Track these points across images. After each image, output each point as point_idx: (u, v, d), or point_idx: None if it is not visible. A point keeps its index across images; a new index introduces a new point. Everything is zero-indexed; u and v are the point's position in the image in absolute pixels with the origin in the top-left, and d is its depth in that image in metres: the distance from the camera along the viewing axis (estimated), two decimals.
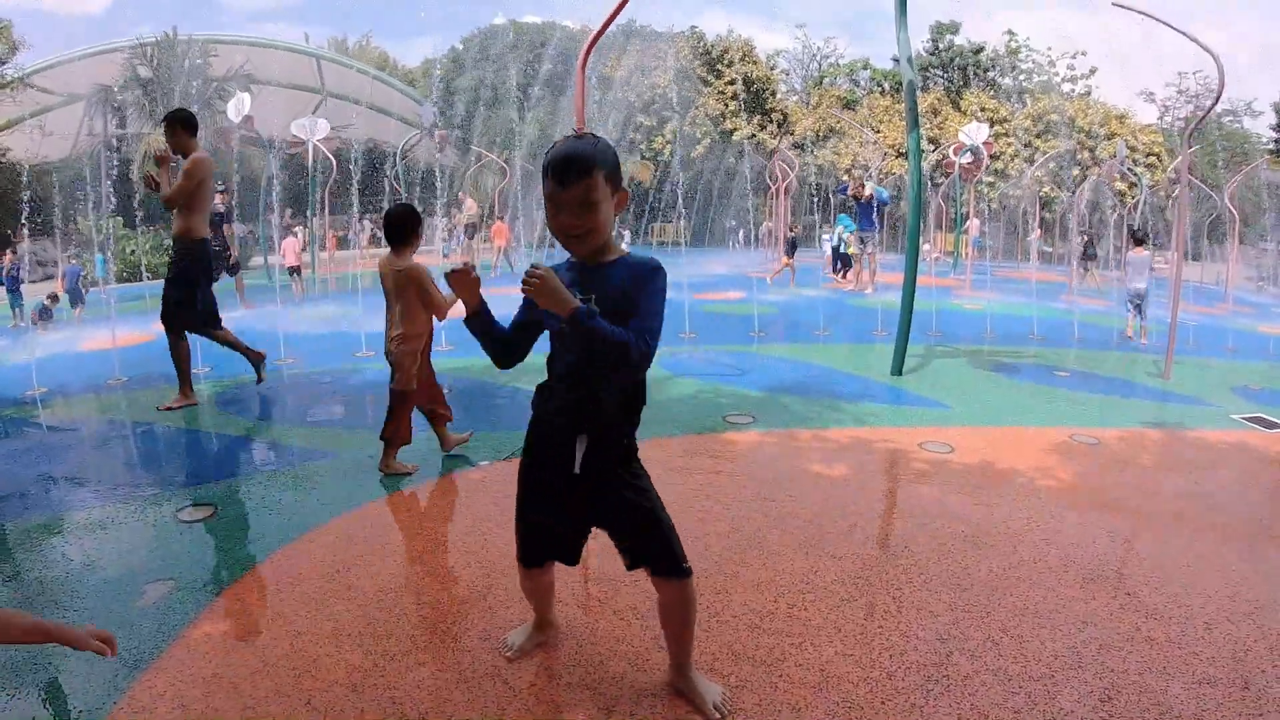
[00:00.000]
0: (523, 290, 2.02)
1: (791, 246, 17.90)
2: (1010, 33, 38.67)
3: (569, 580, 3.19)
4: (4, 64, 23.62)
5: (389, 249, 4.58)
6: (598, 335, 2.01)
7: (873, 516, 3.95)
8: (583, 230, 2.12)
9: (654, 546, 2.35)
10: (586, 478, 2.26)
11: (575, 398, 2.24)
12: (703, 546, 3.57)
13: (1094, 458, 4.98)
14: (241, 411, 6.44)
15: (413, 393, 4.67)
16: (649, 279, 2.14)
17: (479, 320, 2.27)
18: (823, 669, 2.59)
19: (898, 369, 7.38)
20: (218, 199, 13.56)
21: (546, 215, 2.17)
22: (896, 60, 41.47)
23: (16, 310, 13.36)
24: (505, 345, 2.34)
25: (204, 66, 25.64)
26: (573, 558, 2.50)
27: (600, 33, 6.15)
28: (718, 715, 2.37)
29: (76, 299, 14.17)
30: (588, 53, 6.14)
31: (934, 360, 8.20)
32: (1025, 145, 29.23)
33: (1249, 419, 6.21)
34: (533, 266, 2.01)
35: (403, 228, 4.47)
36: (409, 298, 4.50)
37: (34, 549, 3.77)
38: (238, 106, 16.81)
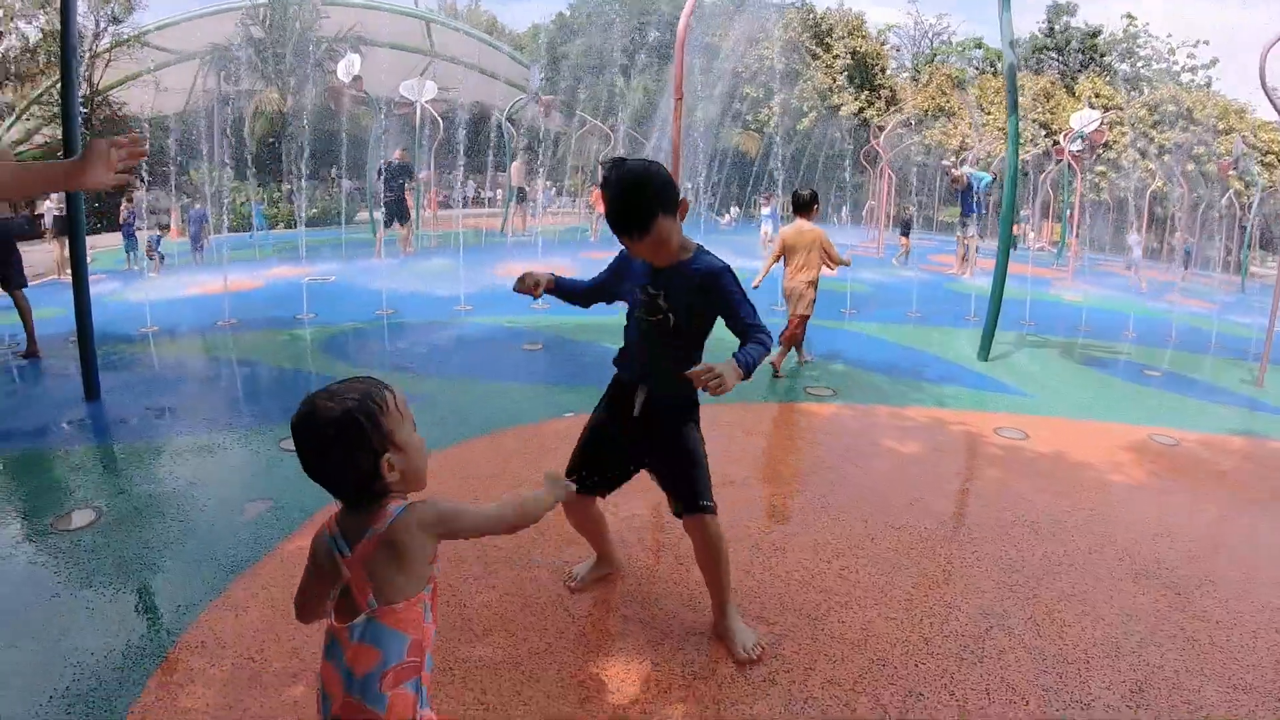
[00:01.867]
0: (711, 391, 2.19)
1: (905, 227, 17.62)
2: (1129, 16, 36.25)
3: (639, 527, 3.41)
4: (121, 23, 25.09)
5: (796, 217, 6.59)
6: (754, 363, 2.30)
7: (936, 493, 4.01)
8: (660, 257, 2.45)
9: (681, 483, 2.62)
10: (641, 422, 2.62)
11: (639, 360, 2.63)
12: (770, 507, 3.76)
13: (1170, 459, 4.87)
14: (343, 355, 6.92)
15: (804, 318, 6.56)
16: (718, 283, 2.43)
17: (557, 291, 2.75)
18: (864, 628, 2.73)
19: (984, 354, 7.30)
20: (396, 155, 14.65)
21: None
22: (1010, 41, 39.61)
23: (130, 255, 13.90)
24: (583, 301, 2.80)
25: (315, 27, 26.60)
26: (604, 491, 2.81)
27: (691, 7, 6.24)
28: (745, 656, 2.55)
29: (197, 243, 14.56)
30: (686, 22, 6.24)
31: (1023, 349, 8.05)
32: (1140, 135, 27.52)
33: None
34: (707, 372, 2.16)
35: (810, 202, 6.55)
36: (815, 251, 6.44)
37: (146, 468, 4.21)
38: (348, 67, 17.46)
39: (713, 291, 2.42)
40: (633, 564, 3.15)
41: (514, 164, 19.82)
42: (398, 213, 14.45)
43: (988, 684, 2.47)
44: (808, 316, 6.58)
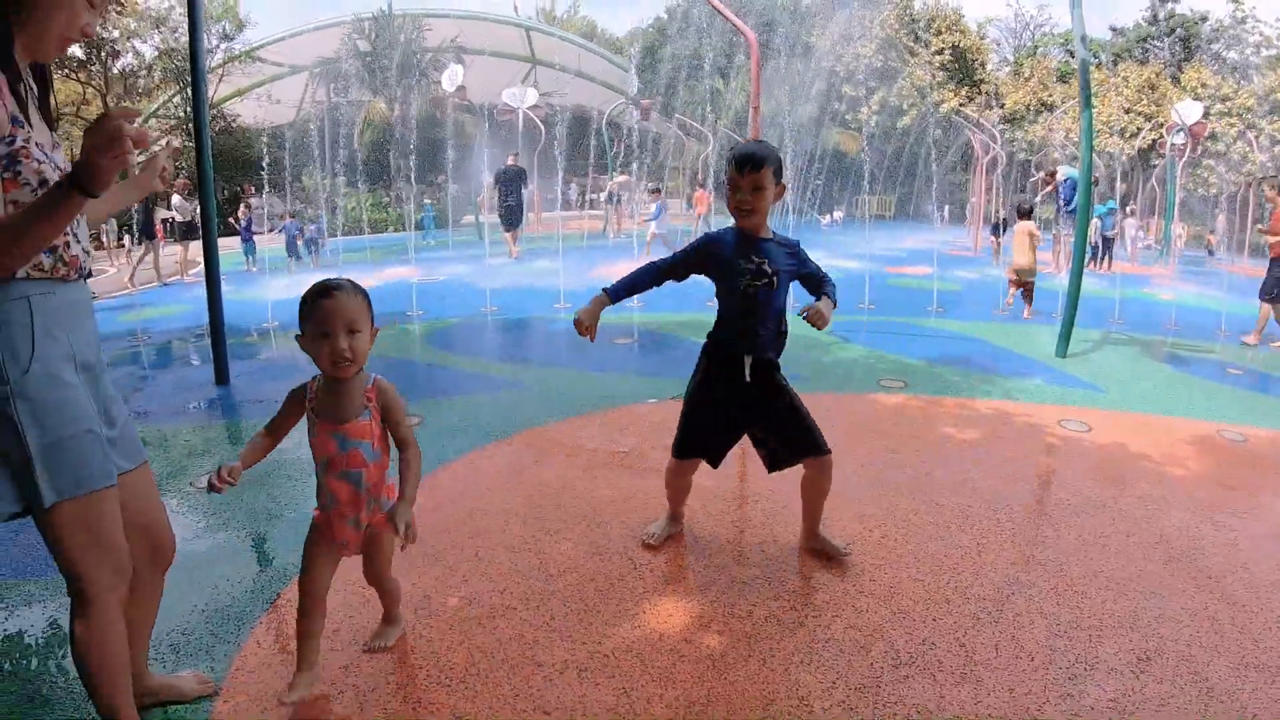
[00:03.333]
0: (814, 322, 2.91)
1: (995, 227, 17.34)
2: (1236, 0, 33.81)
3: (699, 494, 3.80)
4: (232, 39, 27.05)
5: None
6: (835, 303, 3.07)
7: (986, 476, 4.23)
8: (750, 207, 2.96)
9: (803, 433, 3.11)
10: (753, 385, 3.07)
11: (742, 329, 3.07)
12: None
13: (1235, 454, 4.89)
14: (446, 346, 7.58)
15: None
16: (802, 252, 3.15)
17: (618, 300, 3.05)
18: (892, 586, 3.05)
19: (1062, 351, 7.33)
20: (509, 160, 15.52)
21: (726, 194, 3.02)
22: (1114, 29, 37.64)
23: (250, 258, 14.95)
24: (654, 282, 3.12)
25: (418, 39, 27.98)
26: (717, 458, 3.25)
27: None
28: (844, 552, 3.26)
29: (292, 251, 15.38)
30: (754, 36, 6.53)
31: (1105, 346, 7.98)
32: (1249, 127, 25.72)
33: None
34: (811, 314, 2.88)
35: (1029, 212, 10.39)
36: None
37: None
38: (451, 77, 18.47)
39: (802, 257, 3.13)
40: (696, 527, 3.55)
41: (618, 177, 20.40)
42: (513, 217, 15.16)
43: (998, 640, 2.74)
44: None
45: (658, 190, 16.51)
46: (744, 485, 4.09)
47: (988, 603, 2.96)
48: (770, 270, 2.99)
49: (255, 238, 15.13)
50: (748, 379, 3.05)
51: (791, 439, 3.12)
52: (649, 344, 7.66)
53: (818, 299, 3.03)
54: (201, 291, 6.40)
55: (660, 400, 5.64)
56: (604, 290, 3.02)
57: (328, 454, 2.30)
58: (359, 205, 23.09)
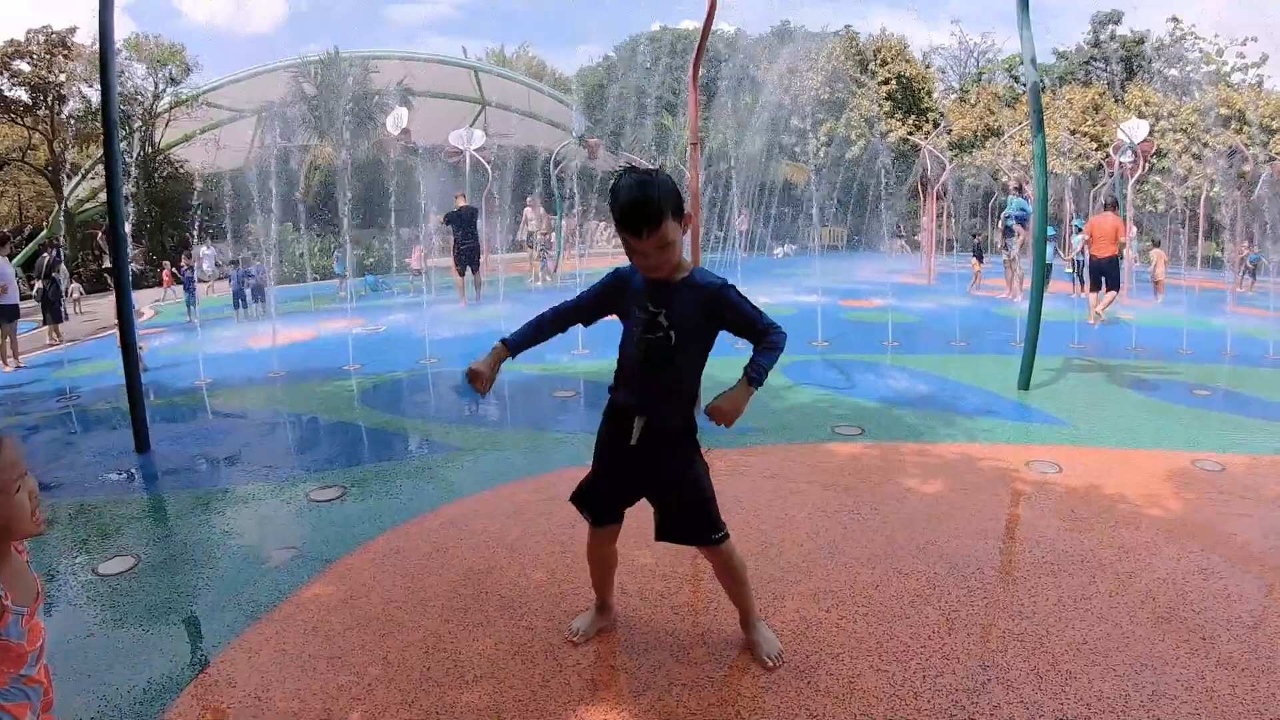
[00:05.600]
0: (717, 422, 2.51)
1: (978, 250, 17.32)
2: (1175, 19, 35.12)
3: (636, 574, 3.40)
4: (178, 84, 26.60)
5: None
6: (767, 373, 2.51)
7: (952, 535, 3.88)
8: (660, 265, 2.47)
9: (689, 520, 2.69)
10: (641, 450, 2.62)
11: (635, 387, 2.63)
12: (775, 552, 3.69)
13: (1213, 486, 4.61)
14: (382, 405, 7.11)
15: None
16: (722, 298, 2.52)
17: (517, 351, 2.67)
18: (852, 682, 2.66)
19: (1025, 383, 7.06)
20: (458, 201, 14.85)
21: (625, 249, 2.49)
22: (1057, 53, 38.73)
23: (191, 308, 14.41)
24: (556, 328, 2.73)
25: (365, 82, 27.70)
26: (604, 515, 2.82)
27: (702, 44, 6.32)
28: (769, 663, 2.74)
29: (239, 301, 14.73)
30: (696, 65, 6.33)
31: (1068, 374, 7.76)
32: (1193, 141, 26.45)
33: None
34: (712, 412, 2.49)
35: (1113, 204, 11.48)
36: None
37: (184, 516, 4.50)
38: (396, 120, 18.13)
39: (720, 306, 2.52)
40: (628, 613, 3.13)
41: (527, 208, 19.73)
42: (470, 260, 14.52)
43: None
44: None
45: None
46: (685, 562, 3.65)
47: (961, 695, 2.59)
48: (665, 323, 2.51)
49: (197, 286, 14.57)
50: (633, 442, 2.61)
51: (681, 520, 2.71)
52: (591, 397, 7.17)
53: (751, 359, 2.51)
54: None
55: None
56: (502, 340, 2.64)
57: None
58: (305, 252, 22.54)
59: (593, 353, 8.88)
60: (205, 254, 17.19)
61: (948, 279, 18.24)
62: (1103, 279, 11.37)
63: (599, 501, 2.80)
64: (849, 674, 2.70)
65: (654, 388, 2.59)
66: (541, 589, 3.38)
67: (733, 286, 2.55)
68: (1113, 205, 12.11)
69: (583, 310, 2.70)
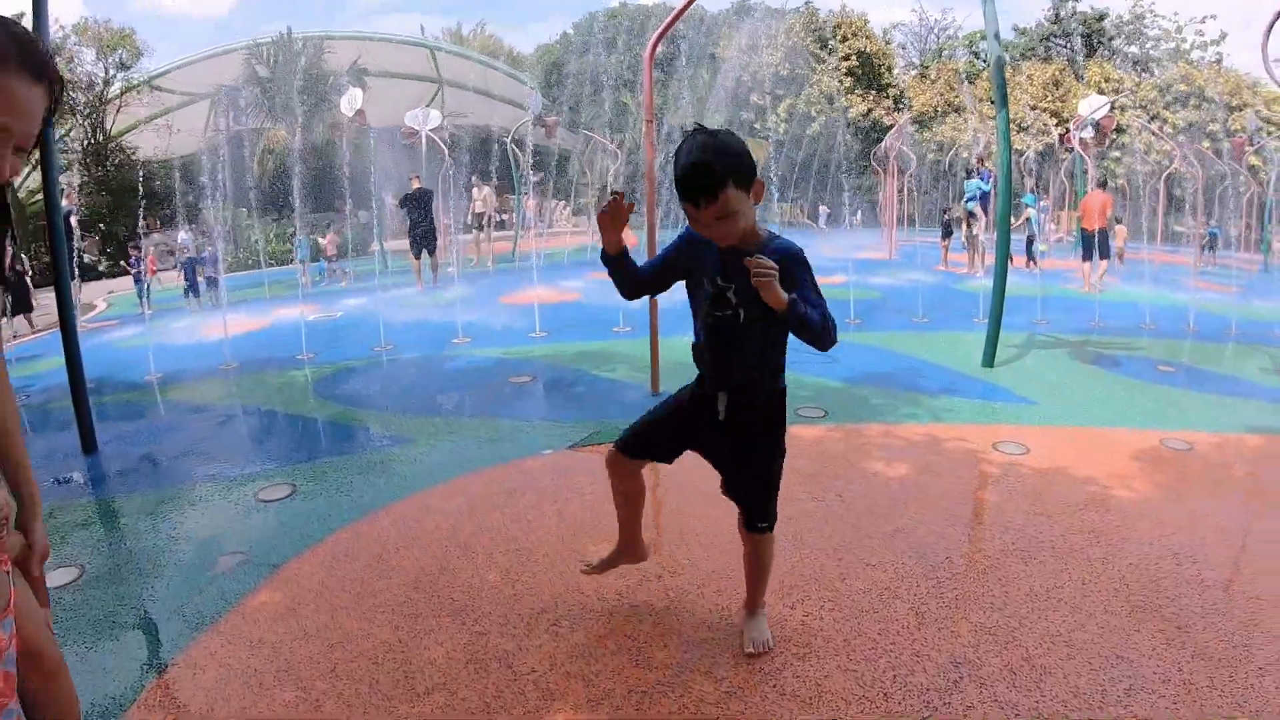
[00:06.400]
0: (755, 280, 2.14)
1: (947, 229, 17.31)
2: None
3: (582, 579, 3.25)
4: (130, 69, 25.65)
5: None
6: (806, 322, 2.21)
7: (920, 522, 3.78)
8: (726, 236, 2.26)
9: (748, 502, 2.63)
10: (729, 425, 2.51)
11: (711, 366, 2.50)
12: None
13: (1182, 466, 4.59)
14: (335, 396, 6.85)
15: None
16: (796, 271, 2.26)
17: (619, 259, 2.43)
18: (819, 684, 2.53)
19: (989, 360, 7.02)
20: (413, 183, 14.45)
21: (687, 218, 2.28)
22: (1017, 29, 39.01)
23: (144, 300, 13.83)
24: (638, 284, 2.52)
25: (319, 63, 26.92)
26: (670, 459, 2.74)
27: (669, 25, 6.10)
28: (751, 650, 2.68)
29: (191, 290, 14.23)
30: (655, 43, 6.11)
31: (1032, 351, 7.74)
32: (1152, 118, 26.85)
33: None
34: (760, 259, 2.13)
35: (1103, 183, 12.61)
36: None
37: (131, 521, 4.25)
38: (350, 101, 17.61)
39: (787, 277, 2.20)
40: (585, 617, 2.98)
41: (479, 189, 19.35)
42: (426, 243, 14.16)
43: None
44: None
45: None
46: (653, 554, 3.51)
47: (932, 694, 2.48)
48: (734, 301, 2.33)
49: (147, 277, 14.00)
50: (720, 418, 2.51)
51: (736, 497, 2.66)
52: (549, 381, 6.98)
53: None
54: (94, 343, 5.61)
55: (556, 450, 5.03)
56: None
57: None
58: (261, 237, 21.91)
59: (551, 334, 8.67)
60: (183, 239, 16.47)
61: (908, 254, 18.27)
62: (1094, 251, 12.73)
63: (649, 437, 2.69)
64: (816, 675, 2.58)
65: (730, 367, 2.45)
66: (495, 591, 3.21)
67: (803, 258, 2.30)
68: (1101, 183, 13.12)
69: (644, 283, 2.52)
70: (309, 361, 8.16)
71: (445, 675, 2.66)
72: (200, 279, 14.61)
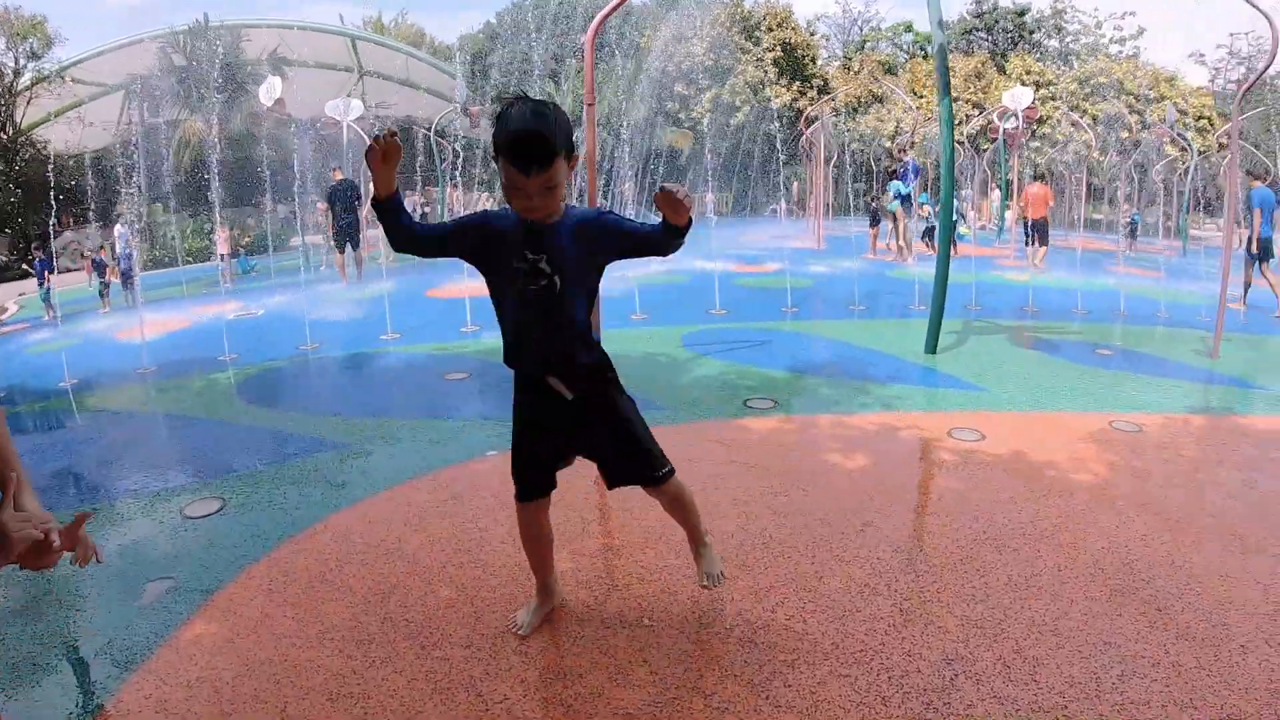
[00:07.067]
0: (686, 201, 2.15)
1: (874, 217, 17.46)
2: None
3: (564, 581, 3.06)
4: (40, 59, 24.12)
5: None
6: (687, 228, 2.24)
7: (888, 514, 3.71)
8: (540, 207, 2.23)
9: (633, 460, 2.57)
10: (581, 403, 2.47)
11: (532, 348, 2.43)
12: None
13: (1134, 447, 4.66)
14: (260, 400, 6.44)
15: None
16: (604, 223, 2.35)
17: (388, 203, 2.27)
18: (813, 691, 2.41)
19: (932, 347, 7.05)
20: (334, 175, 13.90)
21: (503, 189, 2.20)
22: (939, 23, 40.09)
23: (47, 304, 12.90)
24: (412, 238, 2.37)
25: (236, 52, 25.76)
26: (544, 488, 2.66)
27: (610, 11, 5.90)
28: (706, 584, 2.74)
29: (104, 290, 13.52)
30: (596, 30, 5.89)
31: (971, 337, 7.84)
32: (1072, 109, 27.96)
33: None
34: (674, 188, 2.14)
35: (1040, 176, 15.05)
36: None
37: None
38: (269, 90, 16.82)
39: (605, 233, 2.33)
40: (555, 633, 2.79)
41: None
42: (350, 236, 13.58)
43: None
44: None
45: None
46: (607, 566, 3.31)
47: (931, 695, 2.38)
48: (548, 269, 2.30)
49: (51, 279, 13.03)
50: (569, 398, 2.46)
51: (621, 466, 2.60)
52: (486, 378, 6.61)
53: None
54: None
55: (501, 451, 4.75)
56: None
57: None
58: (176, 233, 20.80)
59: (483, 329, 8.36)
60: (120, 233, 15.31)
61: (836, 243, 18.50)
62: (1036, 235, 14.53)
63: (527, 476, 2.62)
64: (809, 683, 2.45)
65: (552, 341, 2.40)
66: (452, 609, 2.98)
67: (610, 212, 2.41)
68: (1041, 176, 14.33)
69: (445, 239, 2.45)
70: (232, 363, 7.68)
71: (408, 708, 2.42)
72: (112, 277, 13.77)
